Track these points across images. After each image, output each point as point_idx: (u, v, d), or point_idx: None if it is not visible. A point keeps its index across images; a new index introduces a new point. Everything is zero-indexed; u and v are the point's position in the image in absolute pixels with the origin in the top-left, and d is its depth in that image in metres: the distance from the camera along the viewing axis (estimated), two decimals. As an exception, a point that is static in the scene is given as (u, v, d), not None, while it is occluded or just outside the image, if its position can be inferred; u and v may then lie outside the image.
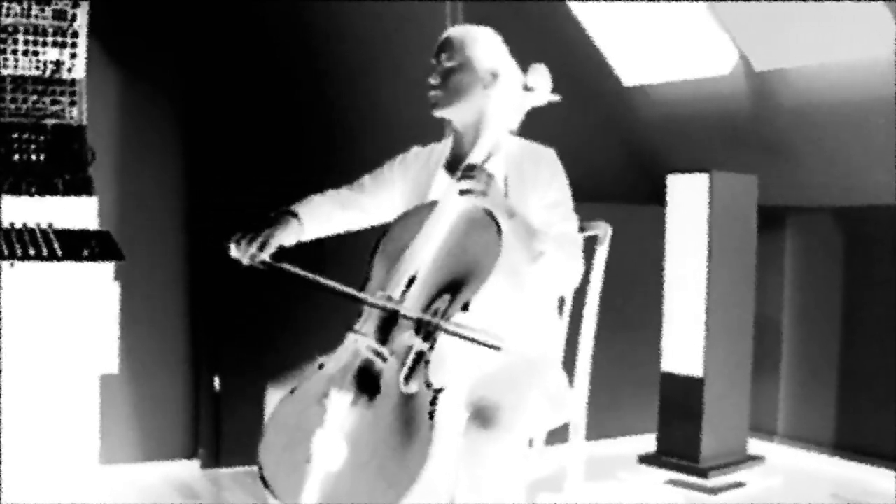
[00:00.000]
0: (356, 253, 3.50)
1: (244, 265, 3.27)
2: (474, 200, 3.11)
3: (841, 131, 5.36)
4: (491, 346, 2.88)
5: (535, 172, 3.37)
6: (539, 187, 3.34)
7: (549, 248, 3.17)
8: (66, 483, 4.13)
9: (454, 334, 2.94)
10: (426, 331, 2.98)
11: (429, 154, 3.64)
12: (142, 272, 5.09)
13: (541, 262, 3.17)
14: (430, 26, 3.64)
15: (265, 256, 3.25)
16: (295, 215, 3.45)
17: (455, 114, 3.46)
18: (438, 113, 3.47)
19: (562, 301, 3.60)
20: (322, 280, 3.10)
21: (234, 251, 3.27)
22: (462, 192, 3.11)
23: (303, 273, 3.13)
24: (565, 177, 3.40)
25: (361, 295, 3.13)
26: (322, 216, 3.54)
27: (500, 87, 3.43)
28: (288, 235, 3.38)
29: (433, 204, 3.25)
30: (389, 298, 3.06)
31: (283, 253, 3.29)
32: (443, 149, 3.61)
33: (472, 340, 2.91)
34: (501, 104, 3.40)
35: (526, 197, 3.31)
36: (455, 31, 3.50)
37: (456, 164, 3.34)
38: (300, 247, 3.49)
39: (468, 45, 3.44)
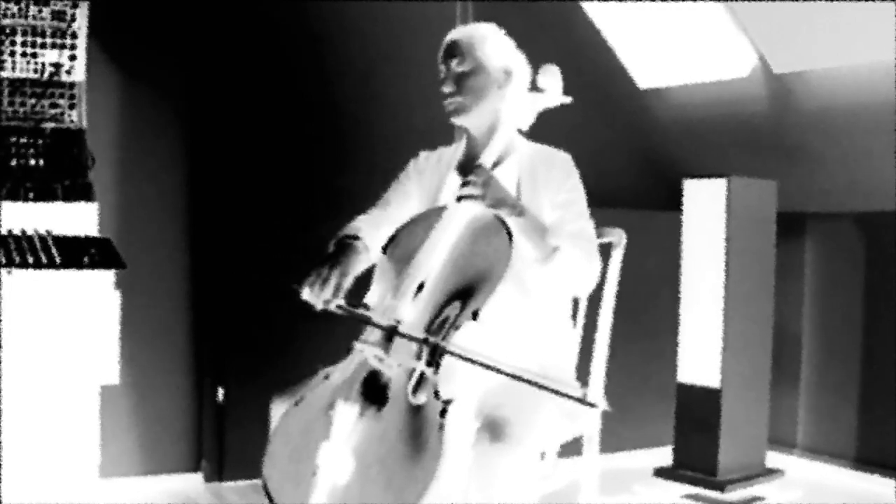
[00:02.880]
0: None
1: (318, 310, 3.18)
2: (475, 205, 3.11)
3: (862, 135, 5.35)
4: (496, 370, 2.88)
5: (548, 174, 3.37)
6: (551, 188, 3.34)
7: (563, 244, 3.16)
8: (66, 496, 4.13)
9: (458, 357, 2.94)
10: (430, 354, 2.96)
11: (438, 157, 3.64)
12: (143, 280, 5.09)
13: (555, 259, 3.16)
14: (440, 27, 3.62)
15: (340, 300, 3.16)
16: (357, 239, 3.40)
17: (473, 119, 3.46)
18: (458, 121, 3.47)
19: (575, 309, 3.59)
20: (383, 322, 3.06)
21: (307, 295, 3.17)
22: (459, 199, 3.11)
23: (371, 316, 3.09)
24: (580, 179, 3.40)
25: (374, 317, 3.11)
26: (375, 237, 3.48)
27: (514, 85, 3.43)
28: (358, 266, 3.33)
29: (441, 209, 3.24)
30: (395, 308, 3.05)
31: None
32: (453, 152, 3.61)
33: (475, 363, 2.91)
34: (514, 102, 3.40)
35: (539, 198, 3.32)
36: (460, 34, 3.49)
37: (468, 165, 3.34)
38: (302, 251, 3.48)
39: (477, 46, 3.43)
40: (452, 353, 2.94)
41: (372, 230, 3.51)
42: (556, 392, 2.88)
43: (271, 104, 5.41)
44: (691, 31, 5.70)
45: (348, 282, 3.21)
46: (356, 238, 3.39)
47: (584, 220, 3.34)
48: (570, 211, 3.32)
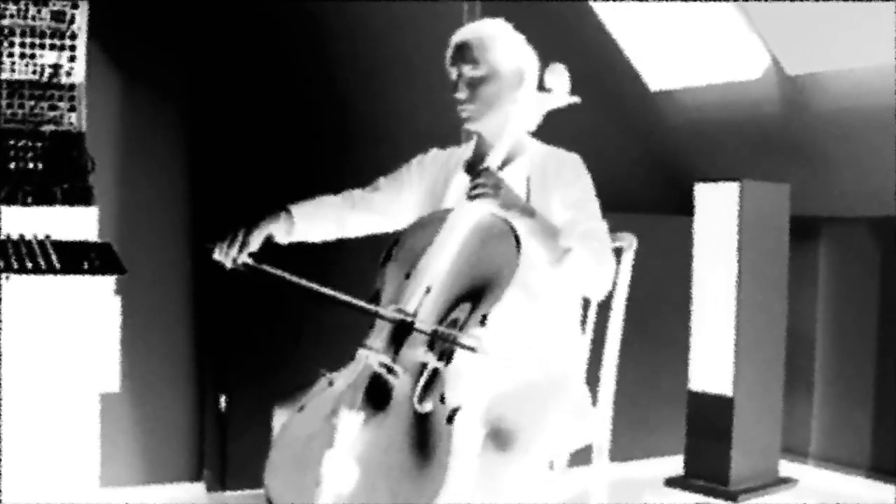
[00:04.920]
0: (362, 262, 3.50)
1: (228, 269, 3.30)
2: (485, 203, 3.09)
3: (877, 138, 5.34)
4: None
5: (558, 174, 3.36)
6: (562, 188, 3.33)
7: (574, 245, 3.14)
8: (65, 507, 4.13)
9: (468, 348, 2.94)
10: (441, 347, 2.97)
11: (448, 157, 3.63)
12: (144, 286, 5.08)
13: (566, 261, 3.14)
14: (448, 27, 3.61)
15: (246, 258, 3.28)
16: (286, 210, 3.48)
17: (487, 124, 3.44)
18: (472, 127, 3.46)
19: (585, 315, 3.59)
20: (311, 284, 3.13)
21: (216, 254, 3.30)
22: (470, 198, 3.10)
23: (287, 276, 3.16)
24: (590, 180, 3.39)
25: (371, 307, 3.12)
26: (323, 214, 3.55)
27: (526, 86, 3.42)
28: (274, 230, 3.41)
29: (447, 212, 3.24)
30: (402, 311, 3.04)
31: (284, 259, 3.28)
32: (462, 152, 3.60)
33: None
34: (524, 102, 3.38)
35: (549, 199, 3.30)
36: (470, 35, 3.45)
37: (477, 165, 3.33)
38: (304, 257, 3.48)
39: (488, 48, 3.40)
40: (462, 346, 2.94)
41: (344, 209, 3.61)
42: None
43: (274, 105, 5.40)
44: (703, 32, 5.69)
45: (255, 240, 3.32)
46: (286, 210, 3.48)
47: (596, 220, 3.33)
48: (582, 211, 3.30)
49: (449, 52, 3.47)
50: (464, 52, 3.41)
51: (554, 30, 6.01)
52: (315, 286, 3.11)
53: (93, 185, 4.40)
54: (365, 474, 2.78)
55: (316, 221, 3.53)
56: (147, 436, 5.34)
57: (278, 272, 3.17)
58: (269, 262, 3.25)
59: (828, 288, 6.15)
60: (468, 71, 3.39)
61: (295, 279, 3.14)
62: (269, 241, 3.41)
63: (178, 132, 5.35)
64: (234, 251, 3.26)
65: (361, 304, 3.11)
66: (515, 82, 3.41)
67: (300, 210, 3.51)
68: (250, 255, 3.31)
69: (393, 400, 2.92)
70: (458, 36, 3.47)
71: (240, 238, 3.29)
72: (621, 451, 4.12)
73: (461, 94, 3.40)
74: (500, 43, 3.41)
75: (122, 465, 5.22)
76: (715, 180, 5.62)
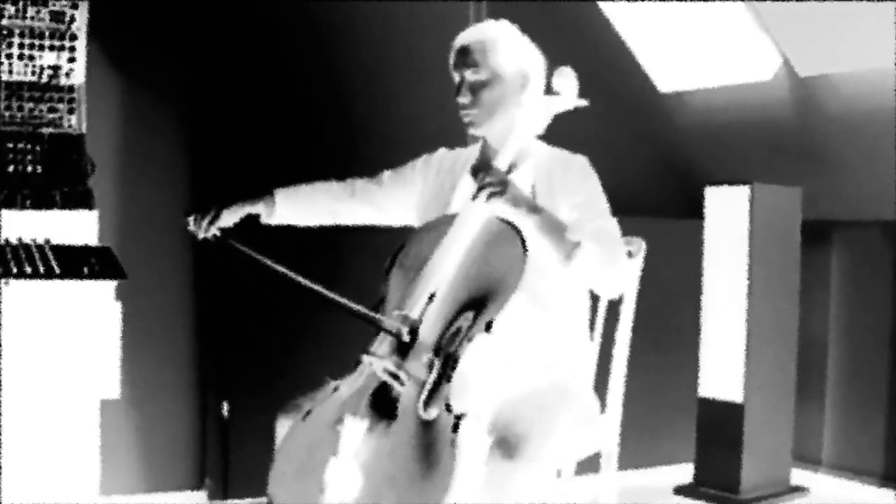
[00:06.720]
0: (369, 267, 3.50)
1: (199, 239, 3.49)
2: (493, 201, 3.07)
3: (890, 140, 5.33)
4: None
5: (564, 178, 3.34)
6: (568, 192, 3.31)
7: (583, 240, 3.12)
8: (65, 514, 4.12)
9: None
10: (442, 362, 2.96)
11: (455, 158, 3.62)
12: (145, 291, 5.07)
13: (576, 257, 3.11)
14: (453, 27, 3.61)
15: (215, 230, 3.47)
16: (269, 193, 3.65)
17: (490, 129, 3.43)
18: (476, 132, 3.45)
19: (593, 321, 3.58)
20: (280, 268, 3.19)
21: (191, 224, 3.49)
22: (477, 197, 3.08)
23: (255, 255, 3.26)
24: (598, 182, 3.37)
25: (373, 314, 3.12)
26: (313, 200, 3.68)
27: (530, 89, 3.41)
28: (253, 210, 3.62)
29: (453, 217, 3.22)
30: (406, 318, 3.03)
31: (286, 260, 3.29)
32: (469, 154, 3.59)
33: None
34: (530, 105, 3.37)
35: (555, 202, 3.28)
36: (472, 38, 3.43)
37: (482, 168, 3.32)
38: (307, 259, 3.48)
39: (490, 51, 3.39)
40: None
41: (338, 195, 3.74)
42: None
43: (276, 108, 5.39)
44: (713, 33, 5.69)
45: (229, 215, 3.54)
46: (270, 193, 3.67)
47: (605, 218, 3.30)
48: (588, 211, 3.28)
49: (451, 56, 3.46)
50: (465, 56, 3.40)
51: (561, 31, 6.00)
52: (296, 276, 3.15)
53: (93, 188, 4.40)
54: (369, 482, 2.78)
55: (304, 206, 3.65)
56: (148, 443, 5.34)
57: (247, 250, 3.30)
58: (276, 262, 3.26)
59: (840, 293, 6.14)
60: (470, 75, 3.39)
61: (265, 260, 3.22)
62: (273, 242, 3.44)
63: (179, 134, 5.35)
64: (205, 222, 3.45)
65: (363, 309, 3.11)
66: (519, 86, 3.40)
67: (285, 194, 3.66)
68: (224, 231, 3.51)
69: (398, 407, 2.91)
70: (460, 39, 3.46)
71: (213, 211, 3.48)
72: (630, 458, 4.11)
73: (464, 99, 3.40)
74: (503, 46, 3.40)
75: (122, 472, 5.22)
76: (725, 184, 5.62)
